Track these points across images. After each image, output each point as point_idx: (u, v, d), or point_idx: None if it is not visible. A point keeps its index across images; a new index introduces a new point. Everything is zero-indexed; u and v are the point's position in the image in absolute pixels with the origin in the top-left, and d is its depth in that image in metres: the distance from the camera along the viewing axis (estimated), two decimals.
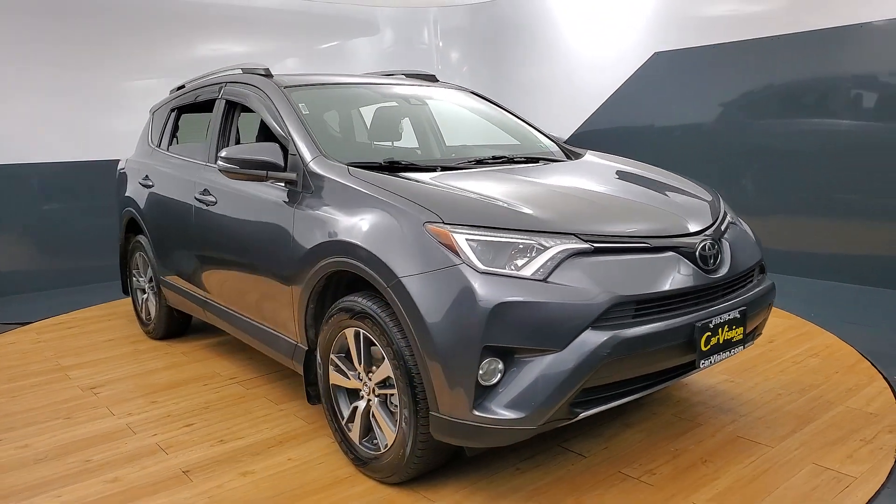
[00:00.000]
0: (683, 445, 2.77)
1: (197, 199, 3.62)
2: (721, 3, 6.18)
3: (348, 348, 2.61)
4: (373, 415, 2.54)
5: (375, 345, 2.45)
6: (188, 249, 3.79)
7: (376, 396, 2.51)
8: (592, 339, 2.09)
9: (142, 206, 4.35)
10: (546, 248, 2.18)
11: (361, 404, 2.59)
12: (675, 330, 2.26)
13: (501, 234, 2.20)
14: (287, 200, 2.89)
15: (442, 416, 2.19)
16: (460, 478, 2.56)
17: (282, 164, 2.88)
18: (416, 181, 2.60)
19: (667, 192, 2.85)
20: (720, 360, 2.45)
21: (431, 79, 4.17)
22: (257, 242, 3.09)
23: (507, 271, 2.13)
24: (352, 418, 2.65)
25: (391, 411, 2.48)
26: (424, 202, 2.36)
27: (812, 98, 5.59)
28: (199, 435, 3.06)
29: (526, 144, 3.66)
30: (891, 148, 5.08)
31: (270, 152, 2.89)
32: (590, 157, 3.46)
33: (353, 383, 2.62)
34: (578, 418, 2.20)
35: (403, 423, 2.34)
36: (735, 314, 2.46)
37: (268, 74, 3.50)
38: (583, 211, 2.46)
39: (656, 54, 6.69)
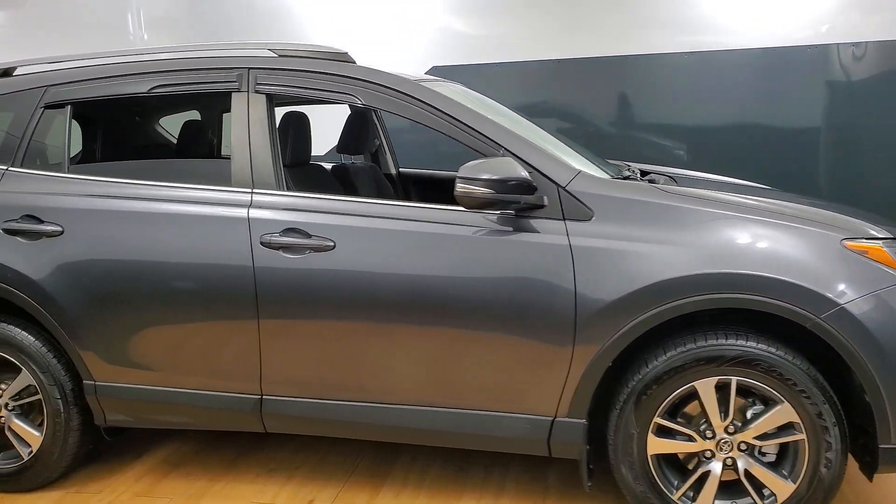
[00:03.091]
0: None
1: (265, 245, 2.33)
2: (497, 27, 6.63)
3: (682, 407, 2.18)
4: (745, 473, 2.16)
5: (752, 393, 2.11)
6: (224, 328, 2.41)
7: (743, 451, 2.15)
8: None
9: (29, 268, 2.51)
10: None
11: (714, 466, 2.17)
12: None
13: None
14: (533, 232, 2.18)
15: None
16: None
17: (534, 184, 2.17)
18: (721, 197, 2.30)
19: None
20: None
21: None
22: (469, 295, 2.22)
23: None
24: (696, 487, 2.19)
25: (767, 462, 2.16)
26: (819, 218, 2.16)
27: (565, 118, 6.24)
28: None
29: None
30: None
31: (517, 169, 2.13)
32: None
33: (693, 446, 2.17)
34: None
35: (821, 468, 2.09)
36: None
37: (348, 60, 2.51)
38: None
39: (434, 68, 6.79)
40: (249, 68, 2.51)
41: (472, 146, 2.29)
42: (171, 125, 3.74)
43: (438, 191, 3.29)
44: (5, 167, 2.64)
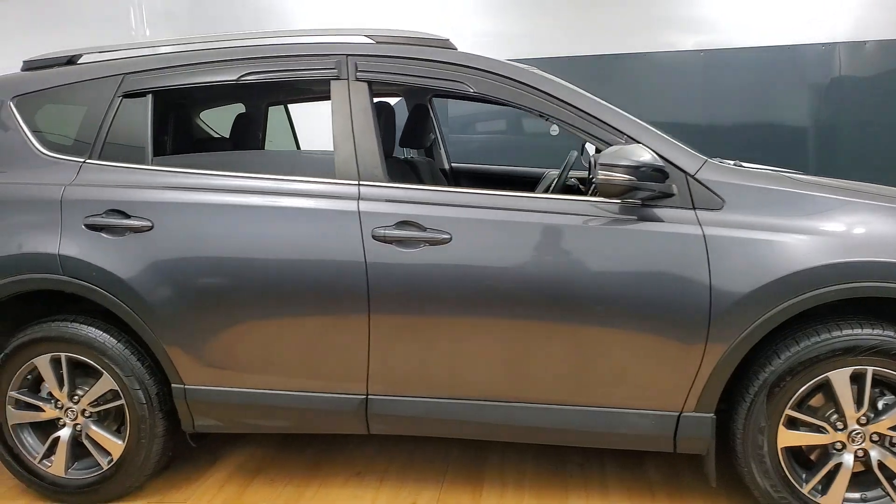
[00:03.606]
0: None
1: (378, 239, 2.23)
2: None
3: (808, 399, 2.16)
4: (879, 464, 2.14)
5: (881, 383, 2.11)
6: (331, 325, 2.30)
7: (875, 442, 2.13)
8: None
9: (115, 266, 2.36)
10: None
11: (846, 458, 2.14)
12: None
13: None
14: (663, 222, 2.13)
15: None
16: None
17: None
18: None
19: None
20: None
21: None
22: (596, 289, 2.15)
23: None
24: (826, 480, 2.16)
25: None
26: None
27: None
28: None
29: None
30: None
31: (653, 155, 2.09)
32: None
33: (825, 437, 2.15)
34: None
35: None
36: None
37: (450, 47, 2.43)
38: None
39: None
40: (348, 55, 2.40)
41: (594, 135, 2.23)
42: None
43: (492, 186, 3.22)
44: (82, 160, 2.48)
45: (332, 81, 2.39)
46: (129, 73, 2.52)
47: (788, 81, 4.98)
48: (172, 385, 2.44)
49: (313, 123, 3.67)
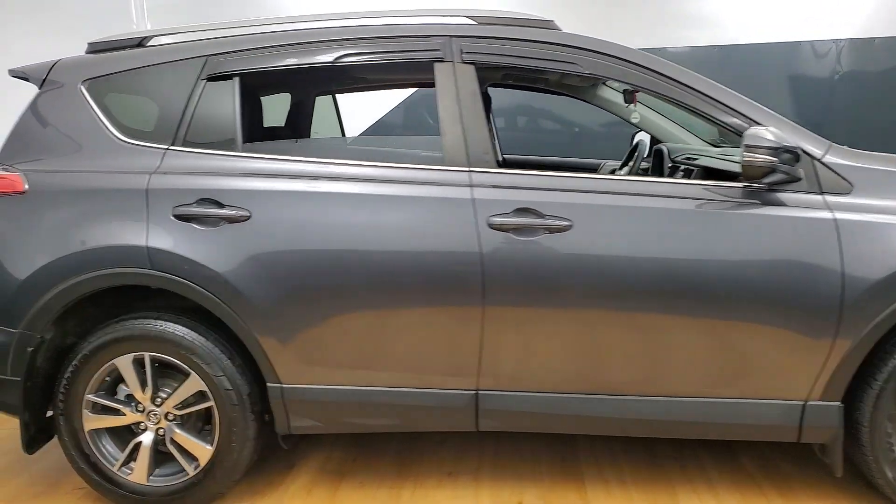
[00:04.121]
0: None
1: (494, 227, 2.14)
2: None
3: None
4: None
5: None
6: (442, 317, 2.20)
7: None
8: None
9: (209, 258, 2.22)
10: None
11: None
12: None
13: None
14: (791, 207, 2.09)
15: None
16: None
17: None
18: None
19: None
20: None
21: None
22: (723, 276, 2.09)
23: None
24: None
25: None
26: None
27: None
28: None
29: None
30: None
31: (789, 137, 2.05)
32: None
33: None
34: None
35: None
36: None
37: (554, 28, 2.36)
38: None
39: None
40: (451, 36, 2.30)
41: (718, 119, 2.17)
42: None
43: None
44: (165, 146, 2.33)
45: (435, 64, 2.29)
46: (213, 54, 2.37)
47: (803, 77, 4.99)
48: (268, 384, 2.30)
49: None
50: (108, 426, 2.39)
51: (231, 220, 2.22)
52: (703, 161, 2.73)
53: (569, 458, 2.68)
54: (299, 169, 2.27)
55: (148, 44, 2.52)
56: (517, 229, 2.13)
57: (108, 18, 6.27)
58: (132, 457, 2.39)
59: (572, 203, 2.15)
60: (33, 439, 2.41)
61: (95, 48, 2.55)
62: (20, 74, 2.51)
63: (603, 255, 2.12)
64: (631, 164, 3.57)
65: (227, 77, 2.36)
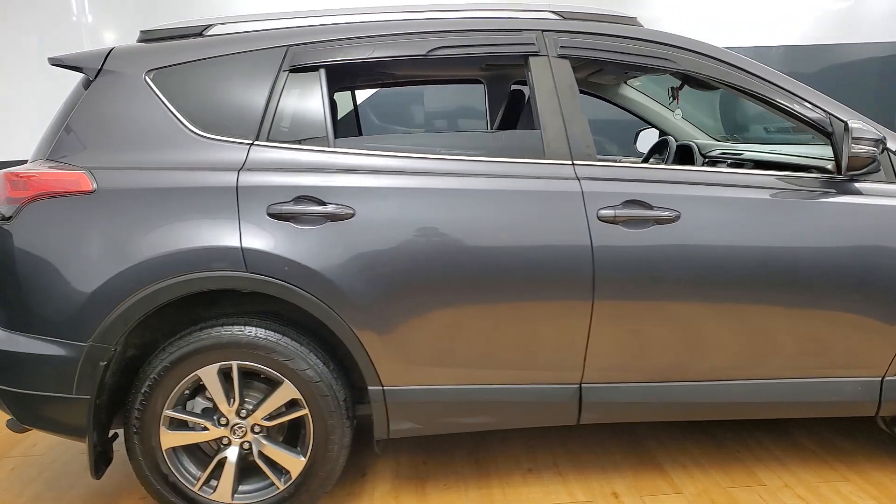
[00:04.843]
0: None
1: (603, 220, 2.16)
2: None
3: None
4: None
5: None
6: (551, 311, 2.19)
7: None
8: None
9: (312, 259, 2.10)
10: None
11: None
12: None
13: None
14: (872, 196, 2.25)
15: None
16: None
17: None
18: None
19: None
20: None
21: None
22: (817, 264, 2.22)
23: None
24: None
25: None
26: None
27: None
28: None
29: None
30: None
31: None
32: None
33: None
34: None
35: None
36: None
37: (637, 24, 2.42)
38: None
39: None
40: (543, 30, 2.30)
41: (802, 115, 2.29)
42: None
43: None
44: (249, 141, 2.19)
45: (530, 58, 2.28)
46: (296, 44, 2.25)
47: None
48: (369, 388, 2.21)
49: None
50: (189, 442, 2.22)
51: (334, 217, 2.11)
52: (765, 157, 2.86)
53: (639, 448, 2.74)
54: (398, 164, 2.20)
55: (208, 33, 2.36)
56: (627, 221, 2.17)
57: (46, 6, 5.85)
58: (213, 474, 2.23)
59: (679, 195, 2.20)
60: (98, 462, 2.20)
61: (150, 37, 2.36)
62: (68, 63, 2.28)
63: (708, 244, 2.19)
64: (660, 158, 3.69)
65: (312, 69, 2.25)
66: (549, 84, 2.26)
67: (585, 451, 2.73)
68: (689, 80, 3.03)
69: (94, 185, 2.10)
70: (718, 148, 3.29)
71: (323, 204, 2.12)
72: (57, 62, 2.31)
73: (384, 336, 2.16)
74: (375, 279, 2.13)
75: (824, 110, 2.29)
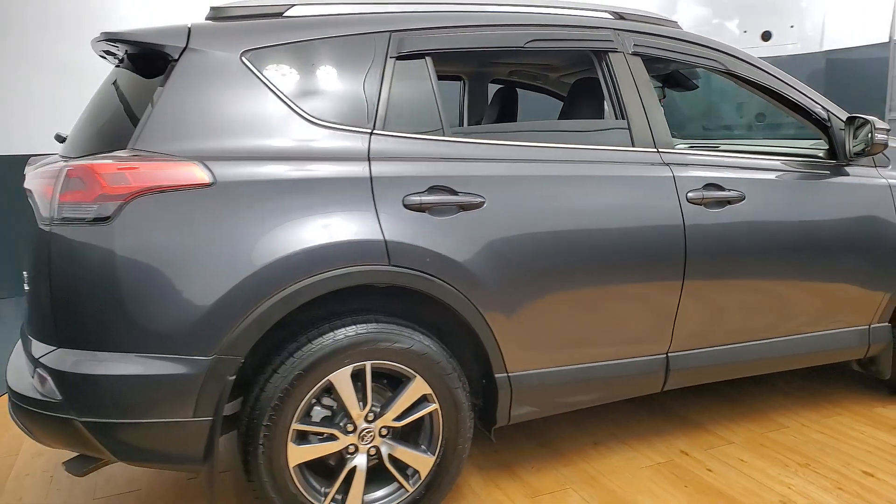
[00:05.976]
0: None
1: (692, 202, 2.39)
2: None
3: None
4: None
5: None
6: (651, 290, 2.39)
7: None
8: None
9: (448, 249, 2.04)
10: None
11: None
12: None
13: None
14: (862, 177, 2.78)
15: None
16: None
17: None
18: None
19: None
20: None
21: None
22: (836, 236, 2.70)
23: None
24: None
25: None
26: None
27: None
28: None
29: None
30: None
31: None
32: None
33: None
34: None
35: None
36: None
37: (678, 27, 2.71)
38: None
39: None
40: (616, 29, 2.49)
41: (813, 112, 2.72)
42: None
43: None
44: (367, 130, 2.08)
45: (609, 54, 2.45)
46: (399, 30, 2.19)
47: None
48: (496, 375, 2.22)
49: None
50: (318, 455, 2.04)
51: (465, 206, 2.10)
52: (769, 149, 3.30)
53: (673, 415, 3.01)
54: (520, 153, 2.24)
55: (289, 14, 2.19)
56: (709, 203, 2.43)
57: None
58: (340, 488, 2.08)
59: (743, 178, 2.52)
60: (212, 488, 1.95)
61: (224, 14, 2.13)
62: (131, 39, 1.99)
63: (766, 221, 2.54)
64: None
65: (417, 56, 2.20)
66: (629, 79, 2.45)
67: (632, 421, 2.95)
68: (668, 80, 3.43)
69: (212, 178, 1.86)
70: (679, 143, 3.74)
71: (455, 193, 2.09)
72: (115, 37, 2.01)
73: (512, 322, 2.19)
74: (503, 268, 2.15)
75: (824, 108, 2.75)
